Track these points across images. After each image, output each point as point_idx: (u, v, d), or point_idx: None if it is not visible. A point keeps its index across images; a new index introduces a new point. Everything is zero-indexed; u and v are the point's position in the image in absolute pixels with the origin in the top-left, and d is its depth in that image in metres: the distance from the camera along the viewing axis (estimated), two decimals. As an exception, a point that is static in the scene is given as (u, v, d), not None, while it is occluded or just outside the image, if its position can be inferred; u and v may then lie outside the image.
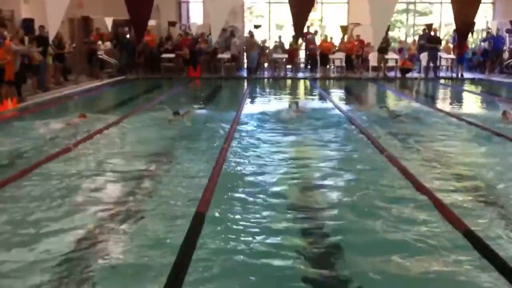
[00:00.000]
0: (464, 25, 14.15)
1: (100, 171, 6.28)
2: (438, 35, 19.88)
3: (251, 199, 5.23)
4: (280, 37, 21.93)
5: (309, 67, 22.02)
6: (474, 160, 6.91)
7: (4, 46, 12.16)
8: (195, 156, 7.05)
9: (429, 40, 19.79)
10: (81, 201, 5.22)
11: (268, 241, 4.25)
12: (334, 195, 5.48)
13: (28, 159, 6.92)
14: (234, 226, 4.55)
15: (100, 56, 18.43)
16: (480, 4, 14.59)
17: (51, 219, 4.68)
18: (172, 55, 20.36)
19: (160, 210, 4.93)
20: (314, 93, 16.64)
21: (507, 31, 20.71)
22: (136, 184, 5.80)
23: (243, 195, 5.35)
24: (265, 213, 4.87)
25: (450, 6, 14.15)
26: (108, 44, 19.37)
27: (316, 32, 22.01)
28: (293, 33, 14.32)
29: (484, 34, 22.25)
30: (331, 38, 21.64)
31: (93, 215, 4.80)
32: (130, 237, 4.32)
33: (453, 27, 16.88)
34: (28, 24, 15.89)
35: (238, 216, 4.76)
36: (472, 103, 14.72)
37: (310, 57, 21.68)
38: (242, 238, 4.28)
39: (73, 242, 4.20)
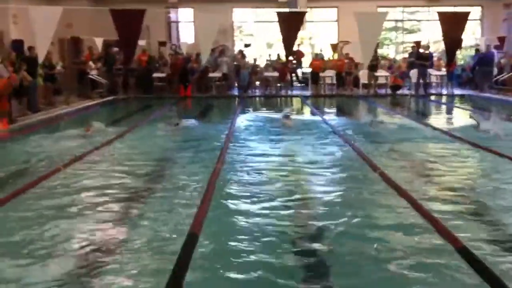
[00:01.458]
0: (452, 42, 14.34)
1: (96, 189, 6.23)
2: (427, 52, 20.02)
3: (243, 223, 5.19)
4: (270, 55, 22.15)
5: (303, 84, 22.23)
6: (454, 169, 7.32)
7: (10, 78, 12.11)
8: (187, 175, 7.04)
9: (418, 58, 19.95)
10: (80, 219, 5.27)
11: (261, 260, 4.22)
12: (329, 213, 5.45)
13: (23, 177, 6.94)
14: (227, 248, 4.50)
15: (90, 76, 18.39)
16: (468, 21, 14.79)
17: (40, 241, 4.63)
18: (163, 75, 20.40)
19: (150, 235, 4.87)
20: (304, 109, 16.80)
21: (495, 47, 20.90)
22: (124, 207, 5.76)
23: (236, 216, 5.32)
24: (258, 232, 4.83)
25: (438, 24, 14.37)
26: (99, 64, 19.35)
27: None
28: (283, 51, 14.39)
29: (473, 51, 22.46)
30: (320, 55, 21.80)
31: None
32: (121, 266, 4.24)
33: (442, 44, 16.99)
34: (17, 45, 15.86)
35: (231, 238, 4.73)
36: (453, 116, 15.19)
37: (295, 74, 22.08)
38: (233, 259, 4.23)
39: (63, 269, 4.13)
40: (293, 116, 13.06)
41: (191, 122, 12.36)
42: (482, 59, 19.77)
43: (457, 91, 20.47)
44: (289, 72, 21.70)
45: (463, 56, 23.30)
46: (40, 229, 4.93)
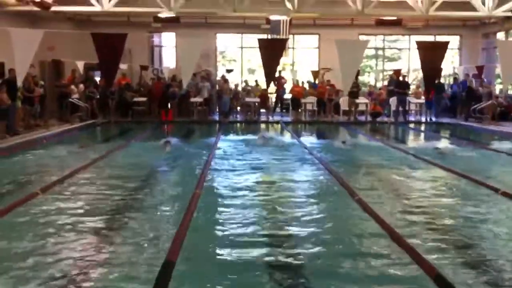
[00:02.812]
0: (431, 71, 14.53)
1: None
2: (406, 80, 20.32)
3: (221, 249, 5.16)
4: (246, 81, 22.30)
5: (284, 111, 22.35)
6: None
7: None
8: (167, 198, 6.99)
9: (397, 86, 20.21)
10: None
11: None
12: (307, 234, 5.51)
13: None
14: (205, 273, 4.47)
15: (71, 100, 18.27)
16: (447, 51, 15.03)
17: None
18: (144, 99, 20.37)
19: (128, 257, 4.81)
20: (284, 133, 17.07)
21: (474, 76, 21.23)
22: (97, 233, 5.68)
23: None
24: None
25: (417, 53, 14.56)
26: (81, 87, 19.24)
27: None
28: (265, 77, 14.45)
29: (452, 80, 22.80)
30: (302, 82, 21.97)
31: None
32: None
33: (421, 72, 17.26)
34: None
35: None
36: (427, 142, 15.42)
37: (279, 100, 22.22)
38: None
39: None
40: (272, 139, 14.09)
41: (177, 142, 13.17)
42: (471, 88, 20.03)
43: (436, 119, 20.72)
44: (276, 97, 21.95)
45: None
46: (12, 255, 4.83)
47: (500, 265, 4.74)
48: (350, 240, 5.42)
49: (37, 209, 6.51)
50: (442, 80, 22.52)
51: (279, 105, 22.64)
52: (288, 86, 22.25)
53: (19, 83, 12.98)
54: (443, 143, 14.11)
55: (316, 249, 5.12)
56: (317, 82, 22.35)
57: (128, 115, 20.08)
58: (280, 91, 22.06)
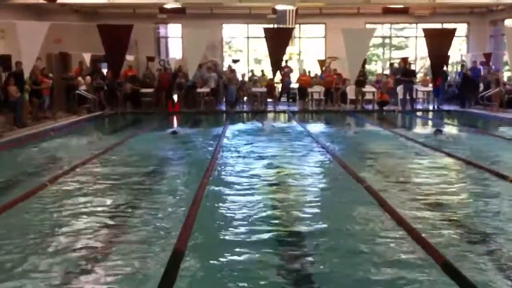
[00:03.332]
0: (438, 59, 14.45)
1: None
2: (412, 68, 20.26)
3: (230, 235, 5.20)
4: (252, 71, 22.24)
5: (290, 100, 22.35)
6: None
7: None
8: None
9: (404, 74, 20.14)
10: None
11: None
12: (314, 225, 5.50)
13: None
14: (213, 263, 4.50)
15: (78, 92, 18.32)
16: (454, 38, 14.92)
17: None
18: (151, 90, 20.41)
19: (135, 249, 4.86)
20: (290, 122, 17.10)
21: (481, 63, 21.12)
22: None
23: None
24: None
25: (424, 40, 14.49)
26: (88, 78, 19.29)
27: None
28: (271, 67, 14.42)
29: (459, 67, 22.70)
30: (309, 72, 21.93)
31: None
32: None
33: (429, 60, 17.17)
34: (4, 60, 15.81)
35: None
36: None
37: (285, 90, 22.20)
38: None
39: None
40: (277, 127, 14.69)
41: (184, 132, 13.42)
42: (467, 76, 20.01)
43: (445, 107, 20.63)
44: (282, 87, 21.96)
45: (449, 72, 23.49)
46: (17, 248, 4.89)
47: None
48: (356, 228, 5.43)
49: (44, 200, 6.57)
50: (449, 68, 22.44)
51: (285, 94, 22.63)
52: (294, 76, 22.23)
53: (26, 75, 13.05)
54: (449, 130, 14.09)
55: (324, 238, 5.14)
56: (323, 69, 22.30)
57: (136, 106, 20.13)
58: (285, 80, 22.03)
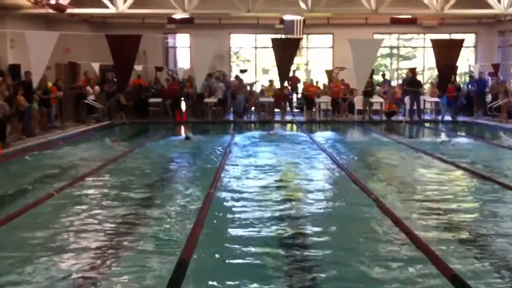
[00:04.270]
0: (446, 69, 14.43)
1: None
2: (418, 79, 20.26)
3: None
4: (256, 82, 22.32)
5: (297, 110, 22.36)
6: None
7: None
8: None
9: (409, 84, 20.16)
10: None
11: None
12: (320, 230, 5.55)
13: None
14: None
15: (86, 101, 18.41)
16: (462, 48, 14.90)
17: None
18: (159, 100, 20.47)
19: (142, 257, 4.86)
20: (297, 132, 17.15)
21: (490, 74, 21.06)
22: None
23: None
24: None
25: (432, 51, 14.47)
26: (97, 88, 19.39)
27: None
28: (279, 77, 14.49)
29: (468, 78, 22.64)
30: (317, 82, 21.94)
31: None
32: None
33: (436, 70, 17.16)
34: (14, 70, 15.93)
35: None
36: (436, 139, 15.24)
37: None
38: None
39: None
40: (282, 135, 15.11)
41: (198, 137, 14.21)
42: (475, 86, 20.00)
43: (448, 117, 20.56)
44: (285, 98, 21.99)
45: (457, 83, 23.42)
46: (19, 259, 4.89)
47: None
48: (363, 237, 5.42)
49: (51, 208, 6.61)
50: (457, 79, 22.38)
51: (292, 104, 22.67)
52: (301, 86, 22.27)
53: (35, 85, 13.14)
54: (456, 141, 13.97)
55: (330, 249, 5.12)
56: (332, 78, 22.32)
57: (144, 116, 20.20)
58: (289, 91, 22.11)
